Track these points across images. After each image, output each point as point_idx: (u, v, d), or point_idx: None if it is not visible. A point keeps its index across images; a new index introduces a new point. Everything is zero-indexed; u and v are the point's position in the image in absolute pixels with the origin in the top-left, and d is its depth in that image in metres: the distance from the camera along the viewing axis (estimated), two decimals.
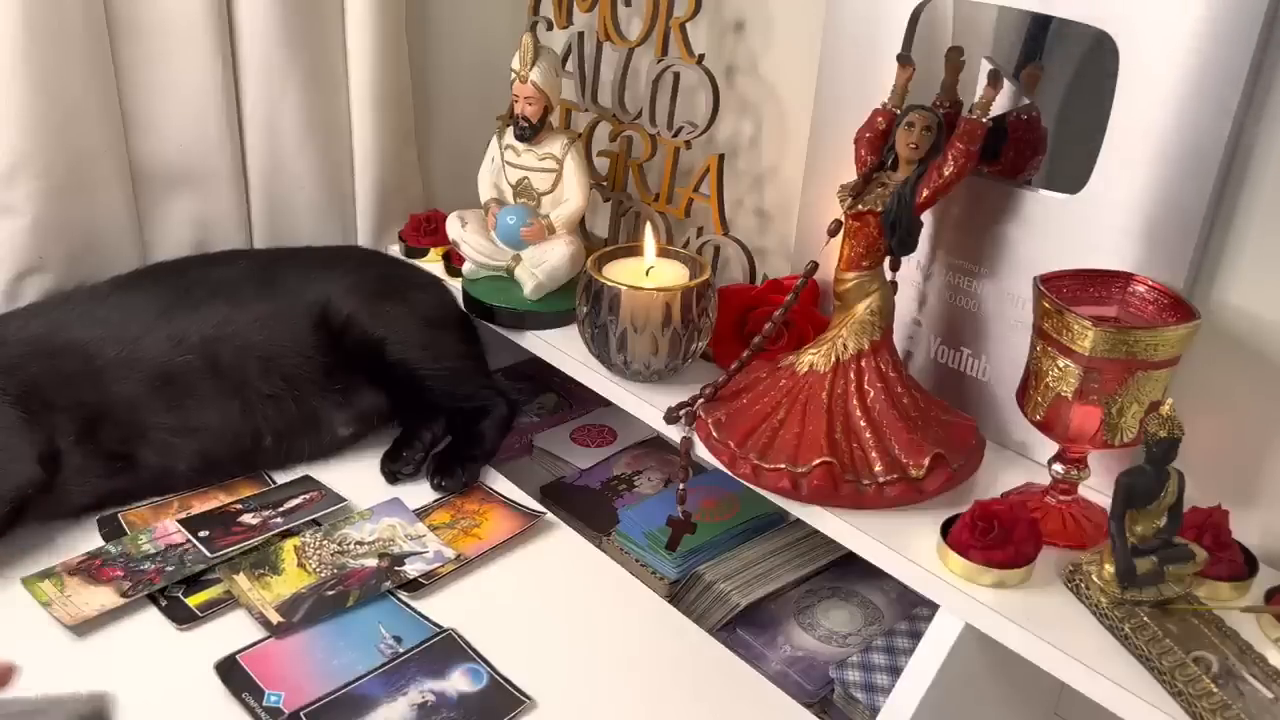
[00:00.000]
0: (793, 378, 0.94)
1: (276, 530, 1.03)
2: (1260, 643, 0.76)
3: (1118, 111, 0.84)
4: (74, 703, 0.42)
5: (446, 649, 0.92)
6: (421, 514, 1.08)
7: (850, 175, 0.93)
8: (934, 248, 0.99)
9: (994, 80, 0.85)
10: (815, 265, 0.98)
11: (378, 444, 1.18)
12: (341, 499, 1.09)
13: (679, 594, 1.07)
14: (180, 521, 1.04)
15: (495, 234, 1.18)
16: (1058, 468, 0.86)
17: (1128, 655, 0.75)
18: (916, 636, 0.89)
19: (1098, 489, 0.91)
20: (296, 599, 0.95)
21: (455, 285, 1.26)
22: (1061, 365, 0.80)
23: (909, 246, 0.90)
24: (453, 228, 1.21)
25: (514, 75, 1.13)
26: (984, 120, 0.86)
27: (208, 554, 0.99)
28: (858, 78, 1.01)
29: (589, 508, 1.19)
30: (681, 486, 1.00)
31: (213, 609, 0.94)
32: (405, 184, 1.41)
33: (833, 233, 0.94)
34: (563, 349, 1.13)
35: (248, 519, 1.05)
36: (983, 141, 0.86)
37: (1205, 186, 0.81)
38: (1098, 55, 0.86)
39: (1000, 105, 0.88)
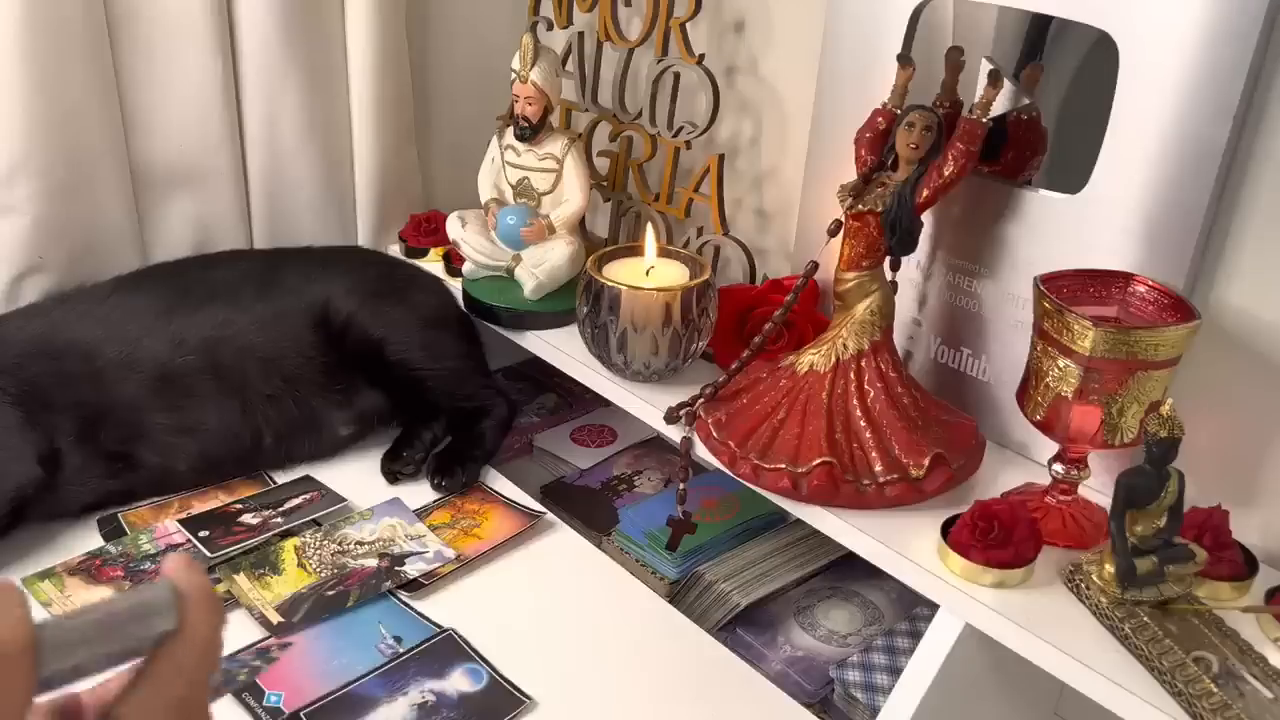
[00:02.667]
0: (793, 378, 0.94)
1: (276, 530, 1.03)
2: (1260, 643, 0.76)
3: (1118, 111, 0.84)
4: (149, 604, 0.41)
5: (446, 649, 0.92)
6: (421, 514, 1.08)
7: (850, 175, 0.93)
8: (934, 248, 0.99)
9: (994, 80, 0.85)
10: (815, 265, 0.98)
11: (378, 444, 1.18)
12: (341, 499, 1.09)
13: (679, 594, 1.07)
14: (180, 521, 1.04)
15: (495, 234, 1.19)
16: (1058, 468, 0.86)
17: (1128, 655, 0.75)
18: (916, 636, 0.89)
19: (1098, 489, 0.91)
20: (296, 599, 0.95)
21: (455, 285, 1.26)
22: (1061, 365, 0.80)
23: (909, 246, 0.90)
24: (453, 228, 1.21)
25: (514, 75, 1.13)
26: (984, 120, 0.86)
27: (208, 554, 0.99)
28: (858, 78, 1.01)
29: (589, 508, 1.19)
30: (681, 486, 1.00)
31: None
32: (405, 184, 1.41)
33: (833, 233, 0.94)
34: (563, 349, 1.13)
35: (248, 519, 1.05)
36: (983, 141, 0.86)
37: (1205, 186, 0.81)
38: (1098, 55, 0.86)
39: (1000, 105, 0.88)
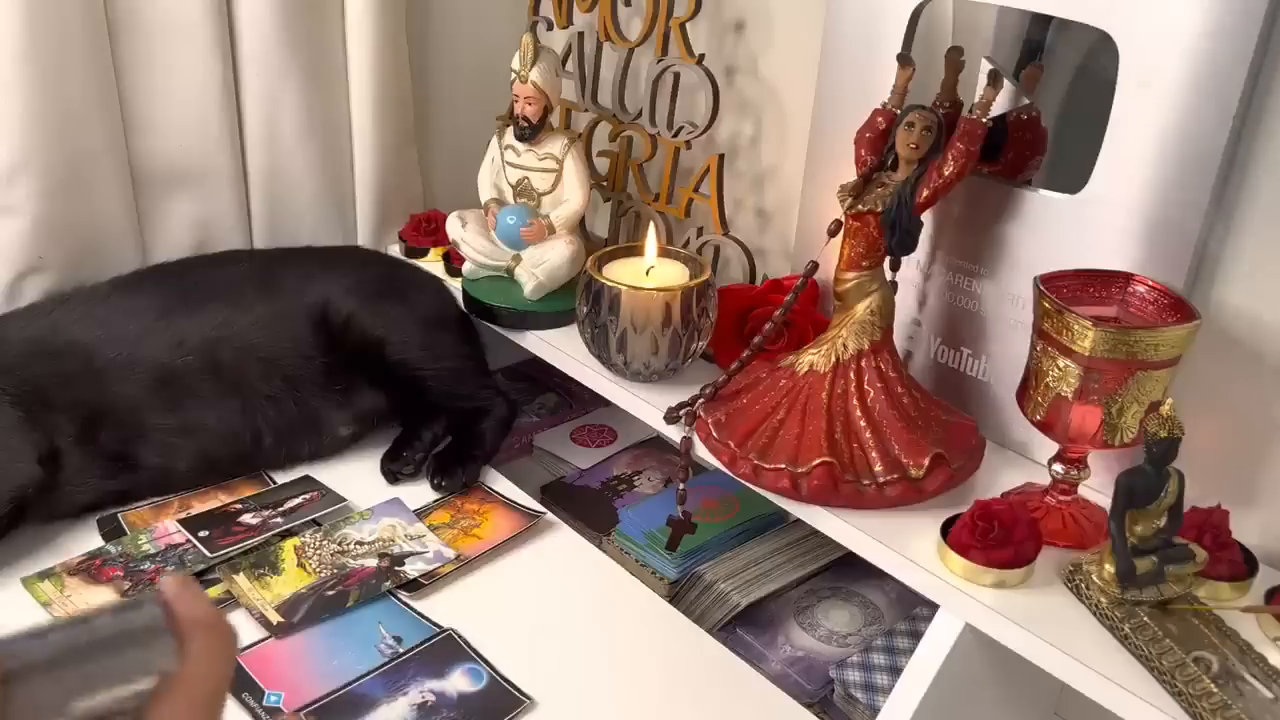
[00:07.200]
0: (793, 378, 0.94)
1: (276, 530, 1.03)
2: (1260, 643, 0.76)
3: (1118, 111, 0.84)
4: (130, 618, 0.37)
5: (446, 649, 0.92)
6: (421, 514, 1.08)
7: (850, 175, 0.93)
8: (934, 248, 0.99)
9: (994, 80, 0.85)
10: (815, 265, 0.98)
11: (378, 444, 1.18)
12: (341, 499, 1.09)
13: (679, 594, 1.07)
14: (180, 521, 1.04)
15: (495, 234, 1.18)
16: (1058, 468, 0.86)
17: (1128, 655, 0.75)
18: (916, 636, 0.89)
19: (1098, 489, 0.91)
20: (296, 599, 0.95)
21: (455, 285, 1.26)
22: (1061, 365, 0.80)
23: (909, 246, 0.90)
24: (453, 228, 1.21)
25: (514, 75, 1.13)
26: (984, 120, 0.86)
27: (208, 554, 0.99)
28: (858, 78, 1.00)
29: (589, 508, 1.19)
30: (681, 486, 1.00)
31: None
32: (405, 184, 1.41)
33: (833, 233, 0.94)
34: (563, 349, 1.13)
35: (248, 519, 1.05)
36: (983, 141, 0.86)
37: (1205, 186, 0.81)
38: (1098, 55, 0.86)
39: (1000, 105, 0.88)
